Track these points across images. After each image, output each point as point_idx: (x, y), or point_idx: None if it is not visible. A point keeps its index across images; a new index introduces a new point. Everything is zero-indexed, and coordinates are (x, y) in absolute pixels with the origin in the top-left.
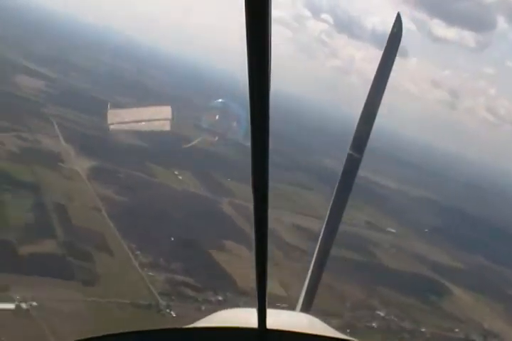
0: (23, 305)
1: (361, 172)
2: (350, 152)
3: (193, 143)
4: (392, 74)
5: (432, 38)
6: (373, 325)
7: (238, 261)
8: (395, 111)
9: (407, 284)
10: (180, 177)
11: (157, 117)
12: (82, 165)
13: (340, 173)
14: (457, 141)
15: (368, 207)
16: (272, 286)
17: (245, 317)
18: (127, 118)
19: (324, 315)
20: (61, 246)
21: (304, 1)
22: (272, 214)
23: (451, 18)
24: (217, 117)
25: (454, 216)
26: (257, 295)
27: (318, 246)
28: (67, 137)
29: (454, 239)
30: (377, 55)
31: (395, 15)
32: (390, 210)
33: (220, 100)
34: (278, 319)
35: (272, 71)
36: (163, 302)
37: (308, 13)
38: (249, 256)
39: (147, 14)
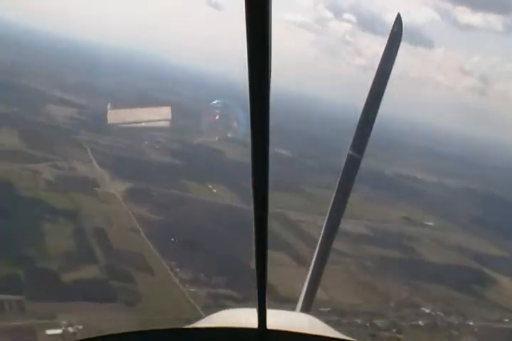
0: (70, 329)
1: (396, 168)
2: (350, 152)
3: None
4: (419, 66)
5: (458, 26)
6: (419, 323)
7: (280, 270)
8: (425, 104)
9: (450, 277)
10: (214, 191)
11: (157, 118)
12: (117, 187)
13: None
14: (492, 127)
15: (404, 202)
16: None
17: (245, 317)
18: (128, 119)
19: (369, 317)
20: (102, 270)
21: (325, 3)
22: (307, 217)
23: (476, 4)
24: (217, 117)
25: (495, 204)
26: (257, 296)
27: (318, 246)
28: (101, 161)
29: (495, 228)
30: (402, 48)
31: (417, 7)
32: (428, 204)
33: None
34: (278, 319)
35: (296, 74)
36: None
37: (330, 15)
38: (289, 264)
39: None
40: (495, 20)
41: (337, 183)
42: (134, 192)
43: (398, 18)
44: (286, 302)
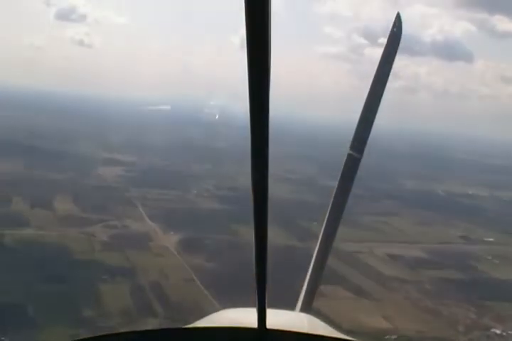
0: None
1: (446, 186)
2: (350, 152)
3: None
4: (460, 80)
5: (497, 35)
6: None
7: (338, 304)
8: (470, 117)
9: None
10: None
11: None
12: (170, 240)
13: (419, 193)
14: None
15: (459, 220)
16: (378, 321)
17: (245, 316)
18: None
19: None
20: (162, 324)
21: (358, 31)
22: (362, 247)
23: None
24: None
25: None
26: (256, 295)
27: (318, 247)
28: (152, 216)
29: None
30: (442, 65)
31: (453, 22)
32: (485, 219)
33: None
34: (277, 319)
35: (335, 105)
36: None
37: (364, 42)
38: (348, 296)
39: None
40: None
41: (337, 183)
42: (187, 243)
43: (398, 18)
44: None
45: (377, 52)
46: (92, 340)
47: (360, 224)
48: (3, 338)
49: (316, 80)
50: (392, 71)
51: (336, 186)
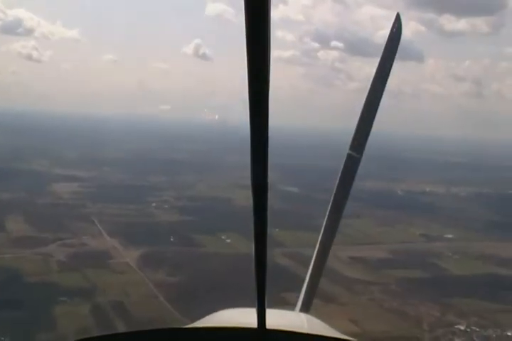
0: None
1: (404, 185)
2: (350, 152)
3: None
4: (412, 80)
5: (445, 34)
6: None
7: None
8: (424, 116)
9: (480, 288)
10: (228, 241)
11: None
12: (130, 255)
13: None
14: (493, 128)
15: (419, 219)
16: (345, 324)
17: (245, 317)
18: None
19: None
20: None
21: (310, 35)
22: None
23: (459, 10)
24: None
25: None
26: (256, 296)
27: (317, 247)
28: (111, 232)
29: None
30: (394, 66)
31: (404, 23)
32: (443, 216)
33: None
34: (277, 319)
35: (292, 109)
36: None
37: (317, 45)
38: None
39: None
40: (480, 22)
41: (336, 182)
42: (148, 257)
43: (397, 18)
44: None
45: (331, 55)
46: (92, 340)
47: (321, 227)
48: (2, 338)
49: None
50: (346, 73)
51: (336, 186)
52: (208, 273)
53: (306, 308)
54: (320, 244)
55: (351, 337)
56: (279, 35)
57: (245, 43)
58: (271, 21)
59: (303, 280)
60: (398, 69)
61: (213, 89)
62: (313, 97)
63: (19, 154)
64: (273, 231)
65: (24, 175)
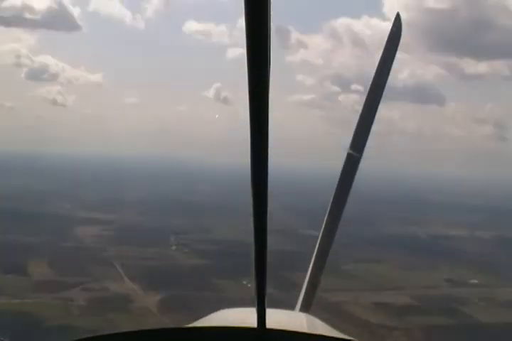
0: None
1: (427, 229)
2: (350, 151)
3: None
4: (433, 123)
5: (466, 77)
6: None
7: None
8: (445, 159)
9: (507, 337)
10: (249, 286)
11: None
12: (151, 300)
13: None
14: None
15: (443, 263)
16: None
17: (245, 316)
18: None
19: None
20: None
21: (331, 79)
22: (346, 296)
23: (479, 53)
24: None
25: None
26: (256, 296)
27: (317, 247)
28: (132, 276)
29: None
30: (415, 108)
31: (423, 66)
32: (468, 261)
33: None
34: (277, 318)
35: (313, 150)
36: None
37: (337, 89)
38: None
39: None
40: (500, 65)
41: (336, 182)
42: (168, 302)
43: (397, 18)
44: None
45: (351, 98)
46: (92, 340)
47: (343, 272)
48: (2, 338)
49: (291, 128)
50: None
51: (336, 186)
52: None
53: (306, 308)
54: (320, 245)
55: None
56: (299, 79)
57: (245, 43)
58: (271, 21)
59: (326, 322)
60: (419, 113)
61: (234, 131)
62: (332, 140)
63: (42, 197)
64: (293, 275)
65: (47, 219)
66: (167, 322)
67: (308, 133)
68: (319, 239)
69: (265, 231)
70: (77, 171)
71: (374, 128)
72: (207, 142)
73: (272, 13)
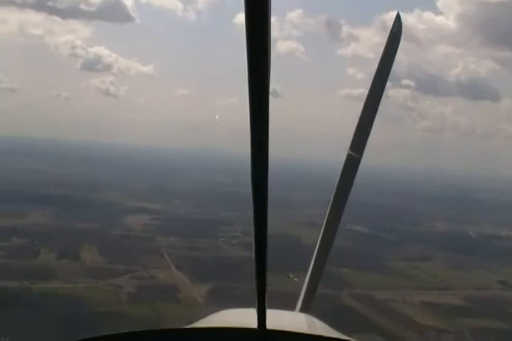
0: None
1: (477, 228)
2: (350, 152)
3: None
4: (486, 120)
5: None
6: None
7: None
8: (497, 157)
9: None
10: (296, 280)
11: None
12: (198, 290)
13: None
14: None
15: (495, 264)
16: None
17: (245, 317)
18: None
19: None
20: None
21: None
22: (395, 294)
23: None
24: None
25: None
26: (256, 296)
27: (317, 247)
28: (180, 265)
29: None
30: (468, 105)
31: (476, 61)
32: None
33: None
34: (277, 319)
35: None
36: None
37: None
38: None
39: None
40: None
41: (336, 183)
42: (215, 293)
43: (397, 18)
44: None
45: (402, 94)
46: (93, 340)
47: (391, 270)
48: (2, 339)
49: (341, 123)
50: (418, 113)
51: (335, 187)
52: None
53: (306, 308)
54: (320, 245)
55: None
56: (349, 72)
57: (245, 43)
58: (271, 21)
59: (373, 324)
60: (471, 109)
61: (284, 124)
62: (383, 136)
63: (94, 185)
64: (341, 271)
65: (99, 206)
66: (212, 312)
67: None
68: (319, 241)
69: (266, 232)
70: (128, 161)
71: (425, 124)
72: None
73: (271, 12)
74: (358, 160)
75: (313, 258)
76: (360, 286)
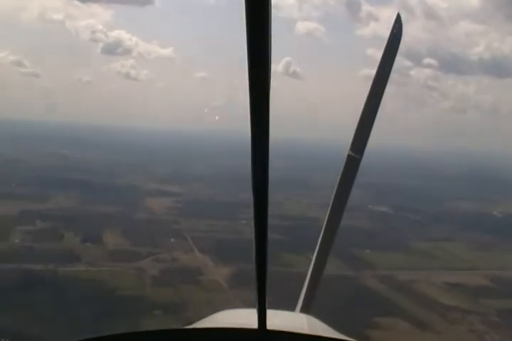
0: None
1: (501, 208)
2: (350, 153)
3: None
4: (508, 100)
5: None
6: None
7: (396, 336)
8: None
9: None
10: None
11: None
12: (221, 273)
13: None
14: None
15: None
16: None
17: (245, 317)
18: None
19: None
20: None
21: (402, 53)
22: (418, 275)
23: None
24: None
25: None
26: (256, 296)
27: (317, 248)
28: (202, 248)
29: None
30: (491, 83)
31: (500, 38)
32: None
33: None
34: (278, 320)
35: (384, 128)
36: None
37: (409, 63)
38: (406, 328)
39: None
40: None
41: (336, 183)
42: (238, 276)
43: (398, 19)
44: None
45: (424, 73)
46: (93, 340)
47: (415, 250)
48: (2, 339)
49: (361, 102)
50: (440, 92)
51: (336, 187)
52: (296, 294)
53: (306, 309)
54: (320, 246)
55: None
56: (369, 53)
57: (246, 43)
58: (271, 21)
59: (396, 306)
60: (495, 87)
61: (305, 106)
62: (405, 117)
63: (116, 169)
64: (363, 253)
65: (121, 190)
66: (235, 296)
67: (379, 110)
68: (319, 241)
69: (266, 233)
70: (148, 144)
71: (448, 103)
72: (275, 116)
73: (272, 12)
74: (358, 161)
75: (313, 260)
76: (383, 267)
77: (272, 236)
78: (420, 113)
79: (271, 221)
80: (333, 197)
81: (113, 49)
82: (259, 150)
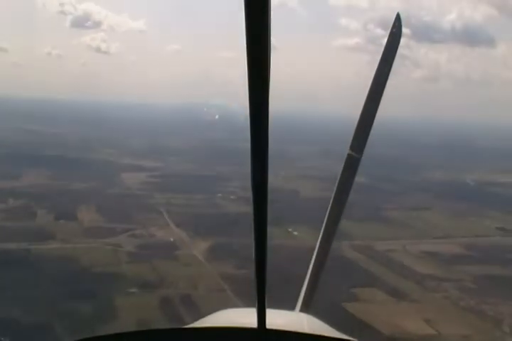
0: None
1: (475, 176)
2: (350, 152)
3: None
4: (482, 66)
5: None
6: None
7: (374, 308)
8: (491, 103)
9: None
10: (295, 234)
11: None
12: (197, 247)
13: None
14: None
15: (494, 211)
16: (418, 325)
17: (245, 317)
18: None
19: None
20: None
21: (375, 22)
22: (394, 244)
23: None
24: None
25: None
26: (256, 296)
27: (317, 247)
28: (178, 223)
29: None
30: (463, 51)
31: (472, 7)
32: None
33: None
34: (277, 319)
35: (353, 99)
36: None
37: (381, 32)
38: (384, 298)
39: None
40: None
41: (336, 183)
42: (215, 250)
43: (398, 18)
44: None
45: None
46: (93, 340)
47: (390, 219)
48: (2, 339)
49: (337, 73)
50: (412, 60)
51: (336, 187)
52: (276, 267)
53: (306, 308)
54: (320, 244)
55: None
56: (343, 22)
57: (245, 43)
58: (271, 21)
59: (374, 276)
60: (465, 56)
61: (277, 77)
62: None
63: (89, 144)
64: (340, 223)
65: (95, 165)
66: (213, 269)
67: (354, 78)
68: (319, 241)
69: (265, 232)
70: (121, 119)
71: (420, 72)
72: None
73: (271, 12)
74: (358, 160)
75: (313, 258)
76: (359, 237)
77: (248, 209)
78: (393, 81)
79: (248, 194)
80: (332, 196)
81: (82, 22)
82: (259, 150)
